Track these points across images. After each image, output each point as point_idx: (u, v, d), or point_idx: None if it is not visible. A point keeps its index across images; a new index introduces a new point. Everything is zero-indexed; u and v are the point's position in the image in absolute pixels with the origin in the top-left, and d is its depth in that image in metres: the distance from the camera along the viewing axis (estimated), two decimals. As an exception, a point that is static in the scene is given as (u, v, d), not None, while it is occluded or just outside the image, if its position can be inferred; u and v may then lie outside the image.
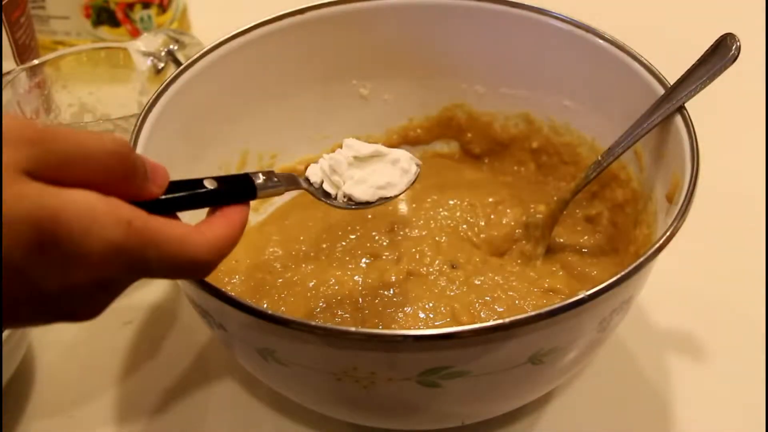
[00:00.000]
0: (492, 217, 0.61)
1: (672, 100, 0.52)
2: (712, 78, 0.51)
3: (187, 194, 0.42)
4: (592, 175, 0.56)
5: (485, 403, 0.50)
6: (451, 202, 0.63)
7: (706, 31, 0.87)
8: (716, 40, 0.52)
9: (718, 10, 0.90)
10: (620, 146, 0.55)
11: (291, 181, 0.48)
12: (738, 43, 0.51)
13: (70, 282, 0.34)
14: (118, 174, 0.36)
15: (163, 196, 0.40)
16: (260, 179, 0.45)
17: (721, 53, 0.51)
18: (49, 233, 0.33)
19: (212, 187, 0.42)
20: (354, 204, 0.50)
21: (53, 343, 0.60)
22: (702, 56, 0.52)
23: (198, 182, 0.42)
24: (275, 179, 0.46)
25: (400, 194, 0.52)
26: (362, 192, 0.50)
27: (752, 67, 0.82)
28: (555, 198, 0.60)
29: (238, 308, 0.43)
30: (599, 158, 0.56)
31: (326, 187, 0.50)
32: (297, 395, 0.52)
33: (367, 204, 0.50)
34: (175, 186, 0.42)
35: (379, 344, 0.43)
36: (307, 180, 0.51)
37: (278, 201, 0.65)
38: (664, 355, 0.59)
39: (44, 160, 0.33)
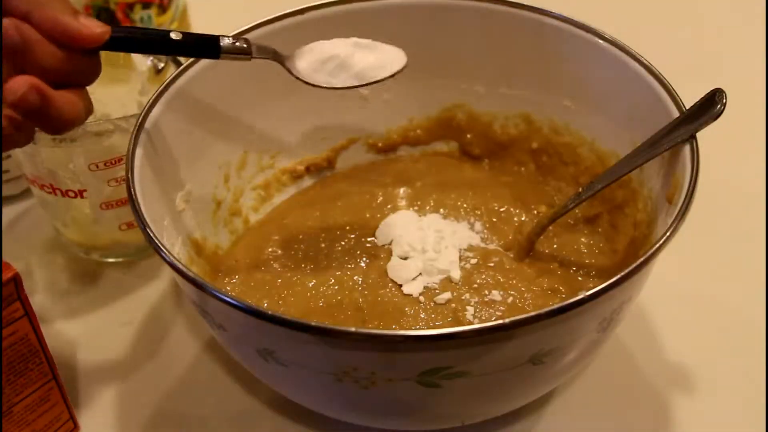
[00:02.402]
0: (494, 220, 0.61)
1: (652, 151, 0.52)
2: (697, 130, 0.51)
3: (152, 38, 0.47)
4: (570, 205, 0.57)
5: (485, 403, 0.50)
6: (452, 203, 0.63)
7: (706, 30, 0.87)
8: (705, 96, 0.51)
9: (718, 10, 0.90)
10: (600, 183, 0.55)
11: (264, 50, 0.51)
12: (725, 101, 0.51)
13: None
14: None
15: (128, 35, 0.46)
16: (226, 41, 0.49)
17: (707, 109, 0.51)
18: None
19: (177, 38, 0.47)
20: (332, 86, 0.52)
21: (54, 343, 0.60)
22: (689, 109, 0.52)
23: (165, 32, 0.47)
24: (243, 44, 0.50)
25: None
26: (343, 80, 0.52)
27: (753, 66, 0.82)
28: (534, 222, 0.60)
29: (238, 308, 0.43)
30: (580, 190, 0.57)
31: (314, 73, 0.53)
32: (297, 395, 0.52)
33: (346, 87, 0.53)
34: (141, 31, 0.47)
35: (379, 344, 0.43)
36: (281, 56, 0.52)
37: (278, 201, 0.66)
38: (664, 355, 0.59)
39: None
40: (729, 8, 0.90)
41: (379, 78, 0.52)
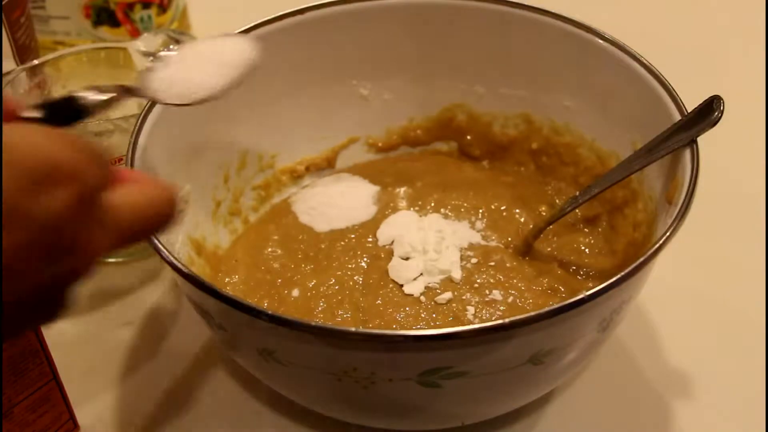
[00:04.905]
0: (495, 220, 0.61)
1: (649, 156, 0.52)
2: (694, 136, 0.51)
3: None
4: (568, 209, 0.57)
5: (485, 403, 0.50)
6: (453, 203, 0.63)
7: (707, 30, 0.87)
8: (703, 102, 0.51)
9: (719, 10, 0.90)
10: (598, 187, 0.55)
11: (122, 91, 0.45)
12: (722, 108, 0.51)
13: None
14: None
15: None
16: (87, 99, 0.42)
17: (705, 115, 0.51)
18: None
19: (39, 116, 0.40)
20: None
21: (53, 344, 0.60)
22: (687, 115, 0.52)
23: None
24: (102, 96, 0.43)
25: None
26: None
27: (752, 65, 0.82)
28: (531, 225, 0.60)
29: (238, 308, 0.43)
30: (577, 194, 0.57)
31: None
32: (297, 395, 0.52)
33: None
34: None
35: (379, 344, 0.43)
36: (140, 82, 0.48)
37: (278, 200, 0.66)
38: (664, 355, 0.59)
39: None
40: (730, 8, 0.89)
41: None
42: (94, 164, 0.32)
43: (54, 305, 0.33)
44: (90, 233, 0.32)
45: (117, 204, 0.34)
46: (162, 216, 0.36)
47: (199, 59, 0.49)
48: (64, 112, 0.41)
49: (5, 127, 0.30)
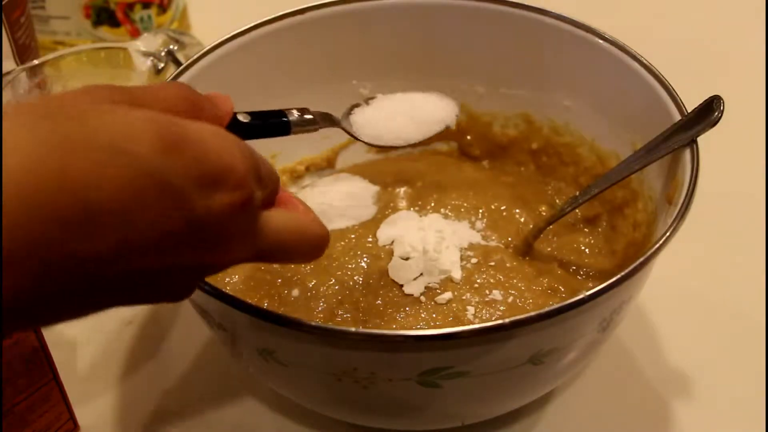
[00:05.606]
0: (495, 220, 0.61)
1: (649, 156, 0.52)
2: (694, 136, 0.51)
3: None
4: (567, 209, 0.57)
5: (485, 403, 0.50)
6: (453, 203, 0.63)
7: (707, 30, 0.87)
8: (703, 102, 0.51)
9: (717, 9, 0.90)
10: (597, 187, 0.55)
11: (325, 118, 0.49)
12: (722, 108, 0.50)
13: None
14: (188, 110, 0.36)
15: None
16: (294, 115, 0.46)
17: (705, 115, 0.51)
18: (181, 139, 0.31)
19: (246, 121, 0.43)
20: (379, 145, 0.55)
21: (54, 344, 0.60)
22: (687, 116, 0.52)
23: (232, 116, 0.42)
24: (309, 116, 0.47)
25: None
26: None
27: (752, 65, 0.82)
28: (531, 225, 0.60)
29: (238, 308, 0.43)
30: (577, 194, 0.57)
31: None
32: (297, 395, 0.52)
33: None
34: None
35: (379, 344, 0.43)
36: (344, 118, 0.53)
37: (278, 201, 0.65)
38: (664, 355, 0.59)
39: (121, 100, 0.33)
40: (730, 8, 0.89)
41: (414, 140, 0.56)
42: (261, 181, 0.35)
43: (183, 288, 0.36)
44: (237, 239, 0.34)
45: (273, 222, 0.36)
46: (308, 248, 0.39)
47: (400, 110, 0.55)
48: (270, 124, 0.46)
49: (202, 124, 0.33)
